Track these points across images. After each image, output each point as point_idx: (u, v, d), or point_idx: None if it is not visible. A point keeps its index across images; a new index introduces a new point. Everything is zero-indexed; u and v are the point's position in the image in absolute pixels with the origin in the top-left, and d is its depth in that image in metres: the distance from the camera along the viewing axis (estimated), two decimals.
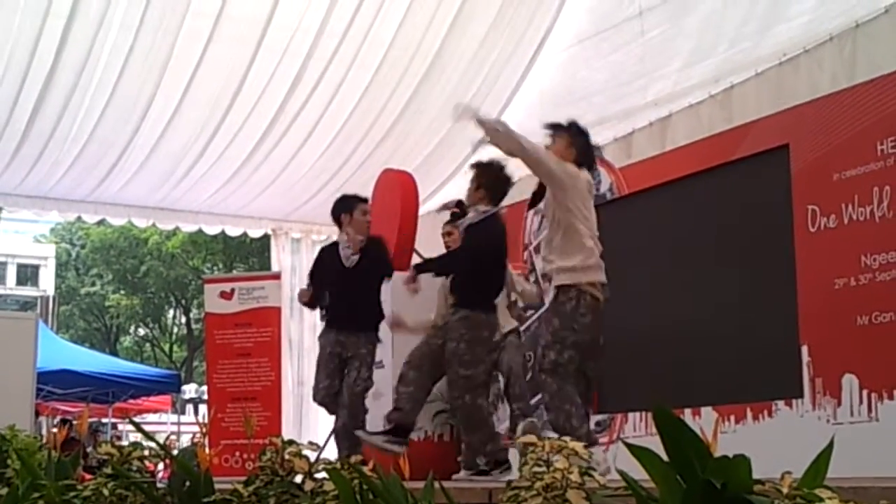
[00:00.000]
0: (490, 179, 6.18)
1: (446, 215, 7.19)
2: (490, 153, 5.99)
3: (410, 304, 8.20)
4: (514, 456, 5.90)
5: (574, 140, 5.50)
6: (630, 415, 6.87)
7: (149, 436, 3.74)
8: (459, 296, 6.13)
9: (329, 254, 7.07)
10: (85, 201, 11.63)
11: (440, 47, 10.04)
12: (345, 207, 7.04)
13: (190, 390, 23.39)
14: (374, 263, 6.84)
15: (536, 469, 2.15)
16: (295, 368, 12.10)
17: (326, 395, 6.74)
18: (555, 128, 5.60)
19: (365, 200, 7.12)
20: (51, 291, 29.67)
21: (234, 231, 12.96)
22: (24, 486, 3.51)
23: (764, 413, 5.90)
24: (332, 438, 6.68)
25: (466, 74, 10.35)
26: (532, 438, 2.21)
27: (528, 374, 7.50)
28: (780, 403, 5.81)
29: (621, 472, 2.13)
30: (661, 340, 6.83)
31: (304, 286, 7.31)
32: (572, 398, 5.30)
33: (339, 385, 6.67)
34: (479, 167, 6.26)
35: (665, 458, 1.96)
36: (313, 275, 7.22)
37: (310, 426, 11.52)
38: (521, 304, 7.50)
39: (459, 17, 9.81)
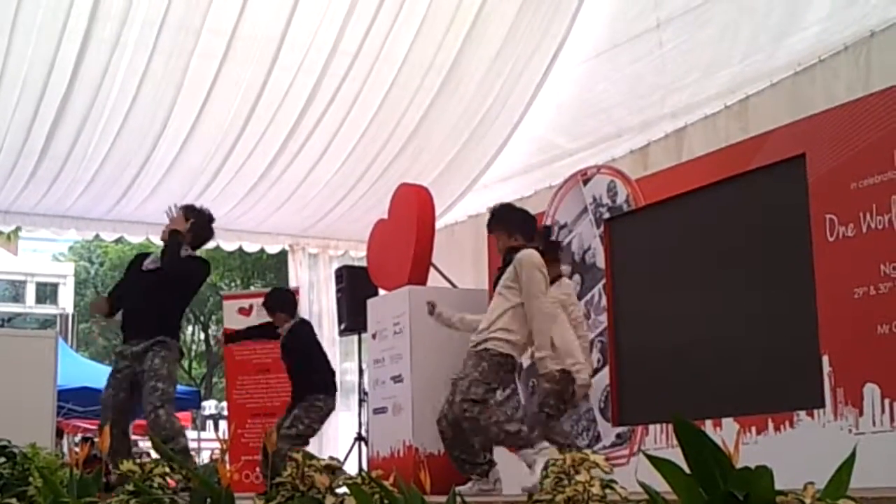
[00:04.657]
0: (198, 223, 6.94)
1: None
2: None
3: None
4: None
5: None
6: (651, 427, 6.84)
7: (168, 454, 3.75)
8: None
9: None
10: (103, 219, 11.69)
11: (454, 62, 10.07)
12: None
13: (210, 406, 23.35)
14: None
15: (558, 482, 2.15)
16: None
17: None
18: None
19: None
20: (70, 309, 29.67)
21: (251, 247, 13.00)
22: None
23: (785, 424, 5.87)
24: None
25: (481, 88, 10.38)
26: (555, 452, 2.21)
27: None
28: (802, 414, 5.78)
29: (643, 484, 2.13)
30: (679, 352, 6.81)
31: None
32: (495, 411, 5.81)
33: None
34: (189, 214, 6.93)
35: (687, 469, 1.96)
36: None
37: (329, 441, 11.52)
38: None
39: (472, 32, 9.84)
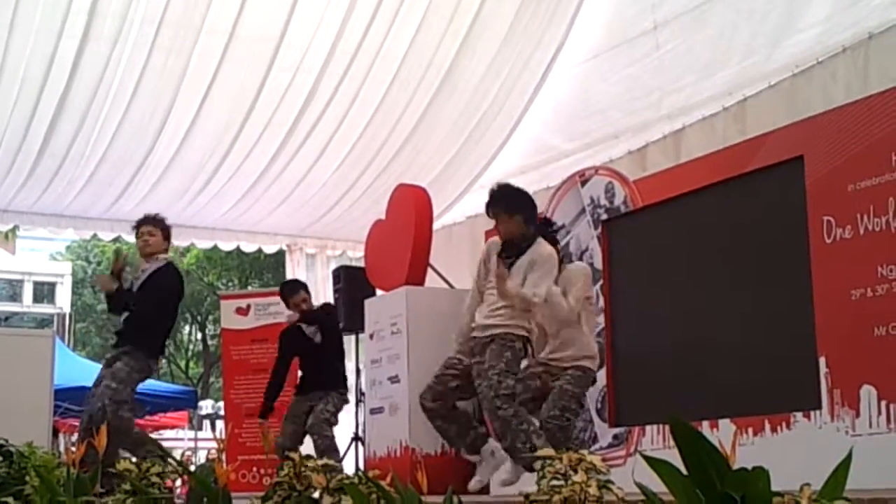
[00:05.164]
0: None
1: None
2: None
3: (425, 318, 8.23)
4: None
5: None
6: (647, 428, 6.83)
7: (166, 452, 3.75)
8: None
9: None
10: (101, 219, 11.68)
11: (452, 62, 10.08)
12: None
13: (206, 406, 23.27)
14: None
15: (554, 482, 2.15)
16: None
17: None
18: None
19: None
20: (67, 309, 29.65)
21: (249, 247, 13.00)
22: (42, 503, 3.52)
23: (782, 425, 5.86)
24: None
25: (479, 90, 10.39)
26: (550, 451, 2.22)
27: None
28: (799, 415, 5.77)
29: (640, 485, 2.13)
30: (676, 353, 6.80)
31: None
32: (528, 418, 5.69)
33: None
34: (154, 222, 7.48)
35: (683, 470, 1.96)
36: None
37: None
38: None
39: (471, 33, 9.85)
